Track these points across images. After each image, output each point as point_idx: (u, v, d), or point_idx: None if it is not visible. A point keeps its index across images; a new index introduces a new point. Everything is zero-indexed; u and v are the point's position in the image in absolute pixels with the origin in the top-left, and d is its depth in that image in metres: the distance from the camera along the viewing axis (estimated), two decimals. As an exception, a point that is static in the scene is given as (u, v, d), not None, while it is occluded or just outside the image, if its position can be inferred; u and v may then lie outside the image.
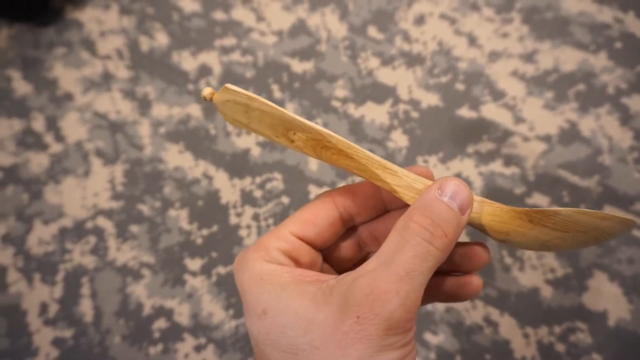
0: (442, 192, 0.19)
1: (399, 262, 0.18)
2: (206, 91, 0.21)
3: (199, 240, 0.45)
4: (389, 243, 0.19)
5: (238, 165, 0.47)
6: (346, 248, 0.24)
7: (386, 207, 0.24)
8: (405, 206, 0.22)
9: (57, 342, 0.43)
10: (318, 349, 0.17)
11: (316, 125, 0.20)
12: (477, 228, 0.21)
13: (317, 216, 0.22)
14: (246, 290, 0.20)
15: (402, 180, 0.21)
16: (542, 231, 0.20)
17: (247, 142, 0.48)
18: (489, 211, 0.21)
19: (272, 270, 0.20)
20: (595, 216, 0.19)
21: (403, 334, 0.18)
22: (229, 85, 0.20)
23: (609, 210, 0.42)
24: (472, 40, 0.48)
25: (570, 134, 0.44)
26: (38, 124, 0.51)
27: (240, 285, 0.20)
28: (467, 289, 0.23)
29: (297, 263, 0.21)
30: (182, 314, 0.43)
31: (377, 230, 0.24)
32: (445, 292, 0.23)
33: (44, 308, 0.44)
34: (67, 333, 0.44)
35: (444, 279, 0.23)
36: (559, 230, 0.20)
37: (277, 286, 0.19)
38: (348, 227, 0.24)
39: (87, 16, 0.55)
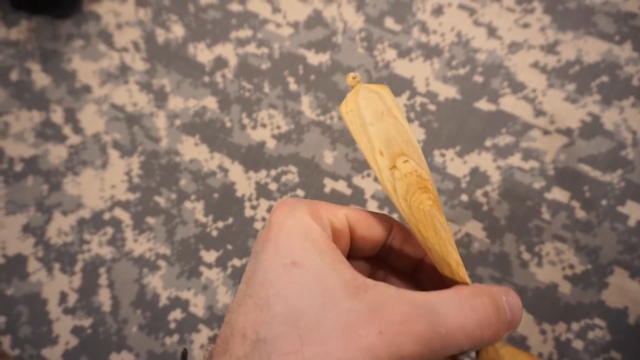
0: (506, 300, 0.19)
1: (446, 322, 0.17)
2: (357, 75, 0.21)
3: (215, 233, 0.46)
4: (446, 297, 0.18)
5: (253, 157, 0.47)
6: (357, 269, 0.23)
7: (415, 271, 0.23)
8: (429, 288, 0.22)
9: (76, 331, 0.44)
10: (323, 330, 0.17)
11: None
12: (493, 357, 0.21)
13: (373, 224, 0.22)
14: (283, 235, 0.19)
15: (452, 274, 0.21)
16: None
17: (263, 134, 0.48)
18: (508, 346, 0.21)
19: (319, 233, 0.19)
20: None
21: None
22: (387, 87, 0.21)
23: (632, 205, 0.41)
24: (492, 31, 0.47)
25: (592, 128, 0.43)
26: (57, 116, 0.52)
27: (278, 226, 0.19)
28: None
29: (336, 244, 0.21)
30: (198, 306, 0.44)
31: (393, 281, 0.24)
32: None
33: (63, 297, 0.45)
34: (86, 322, 0.44)
35: None
36: None
37: (317, 250, 0.18)
38: (377, 253, 0.23)
39: (104, 8, 0.56)
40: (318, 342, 0.16)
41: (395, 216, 0.41)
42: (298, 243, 0.18)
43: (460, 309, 0.18)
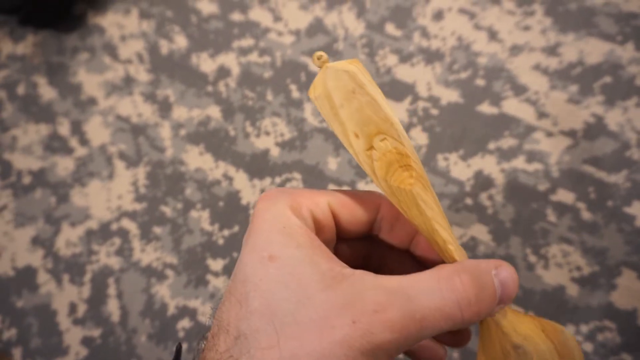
0: (497, 273, 0.18)
1: (421, 306, 0.17)
2: (323, 54, 0.19)
3: (221, 241, 0.46)
4: (423, 279, 0.18)
5: (258, 165, 0.48)
6: (354, 249, 0.23)
7: (410, 248, 0.23)
8: (427, 263, 0.22)
9: (86, 341, 0.45)
10: (298, 324, 0.17)
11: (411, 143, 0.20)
12: (493, 328, 0.20)
13: (358, 208, 0.21)
14: (261, 229, 0.19)
15: (455, 240, 0.20)
16: (550, 348, 0.19)
17: (267, 142, 0.48)
18: (510, 312, 0.20)
19: (296, 225, 0.19)
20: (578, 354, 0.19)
21: (383, 358, 0.17)
22: (358, 61, 0.19)
23: (638, 205, 0.40)
24: (493, 35, 0.47)
25: (596, 129, 0.43)
26: (63, 128, 0.53)
27: (258, 221, 0.19)
28: (431, 355, 0.23)
29: (318, 234, 0.20)
30: (206, 314, 0.44)
31: (388, 259, 0.23)
32: (411, 350, 0.23)
33: (72, 308, 0.46)
34: (95, 332, 0.45)
35: None
36: (558, 354, 0.19)
37: (294, 242, 0.18)
38: (370, 234, 0.23)
39: (108, 21, 0.56)
40: (293, 336, 0.16)
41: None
42: (275, 236, 0.18)
43: (437, 290, 0.17)
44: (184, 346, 0.43)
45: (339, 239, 0.22)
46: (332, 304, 0.17)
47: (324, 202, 0.21)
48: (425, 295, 0.17)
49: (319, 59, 0.19)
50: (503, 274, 0.18)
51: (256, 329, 0.17)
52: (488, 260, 0.19)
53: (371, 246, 0.24)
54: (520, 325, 0.19)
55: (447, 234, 0.20)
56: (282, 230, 0.19)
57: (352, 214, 0.21)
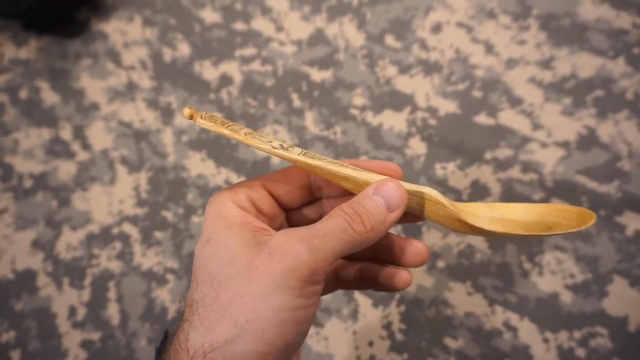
0: (376, 191, 0.22)
1: (320, 226, 0.21)
2: (186, 114, 0.22)
3: (222, 246, 0.46)
4: (322, 220, 0.22)
5: (259, 172, 0.48)
6: (308, 215, 0.27)
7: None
8: None
9: (85, 345, 0.45)
10: (232, 278, 0.20)
11: (283, 153, 0.23)
12: (417, 215, 0.24)
13: (291, 178, 0.25)
14: (205, 221, 0.23)
15: (360, 188, 0.24)
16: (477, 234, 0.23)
17: (268, 149, 0.49)
18: (431, 209, 0.23)
19: (231, 210, 0.23)
20: (534, 231, 0.22)
21: (304, 283, 0.20)
22: (202, 124, 0.22)
23: (629, 215, 0.42)
24: (489, 48, 0.49)
25: (588, 140, 0.44)
26: (66, 132, 0.53)
27: (205, 216, 0.23)
28: (396, 281, 0.26)
29: (260, 212, 0.24)
30: (206, 318, 0.44)
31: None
32: (378, 280, 0.26)
33: (72, 311, 0.46)
34: (95, 336, 0.45)
35: (380, 268, 0.26)
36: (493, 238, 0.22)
37: (227, 223, 0.22)
38: (316, 197, 0.27)
39: (111, 28, 0.57)
40: (228, 287, 0.20)
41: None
42: (212, 223, 0.22)
43: (330, 220, 0.21)
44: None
45: (292, 209, 0.26)
46: (254, 255, 0.21)
47: (258, 185, 0.24)
48: (323, 224, 0.21)
49: (190, 118, 0.22)
50: (382, 188, 0.22)
51: (202, 295, 0.21)
52: (369, 187, 0.23)
53: (324, 206, 0.27)
54: (438, 220, 0.23)
55: (350, 190, 0.23)
56: (219, 216, 0.23)
57: (287, 186, 0.25)
